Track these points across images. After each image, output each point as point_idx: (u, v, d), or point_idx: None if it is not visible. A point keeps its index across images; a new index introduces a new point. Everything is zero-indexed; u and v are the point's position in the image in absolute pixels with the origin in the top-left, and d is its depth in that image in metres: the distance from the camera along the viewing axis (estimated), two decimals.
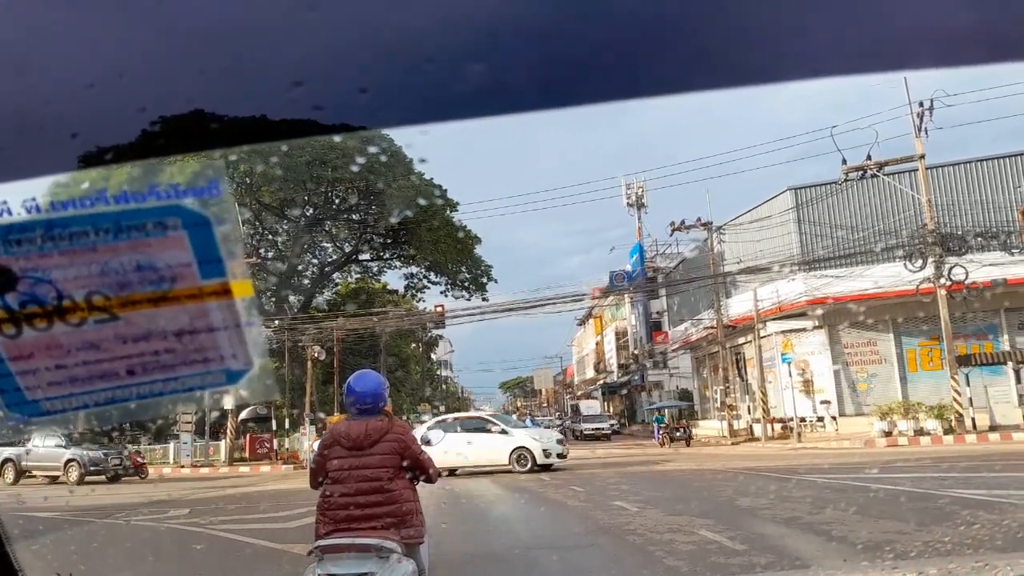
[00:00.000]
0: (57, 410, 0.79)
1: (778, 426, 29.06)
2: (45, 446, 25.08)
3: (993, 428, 23.86)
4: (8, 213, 0.69)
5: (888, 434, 24.41)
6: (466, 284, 45.22)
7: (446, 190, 41.71)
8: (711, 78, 0.76)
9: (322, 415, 33.30)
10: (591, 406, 52.39)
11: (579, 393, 78.39)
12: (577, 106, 0.75)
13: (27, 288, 0.73)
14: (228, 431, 31.85)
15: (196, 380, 0.81)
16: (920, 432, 24.17)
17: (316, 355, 35.18)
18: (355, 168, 36.34)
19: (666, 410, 38.80)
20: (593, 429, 44.06)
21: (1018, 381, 25.18)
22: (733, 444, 29.55)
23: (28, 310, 0.73)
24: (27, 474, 25.11)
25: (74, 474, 24.46)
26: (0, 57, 0.69)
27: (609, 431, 45.11)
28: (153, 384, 0.80)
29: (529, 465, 19.92)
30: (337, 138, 33.53)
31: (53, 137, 0.68)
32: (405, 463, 4.09)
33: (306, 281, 46.35)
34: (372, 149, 33.74)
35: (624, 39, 0.72)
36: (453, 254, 43.53)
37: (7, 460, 25.27)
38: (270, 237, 43.24)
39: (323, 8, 0.58)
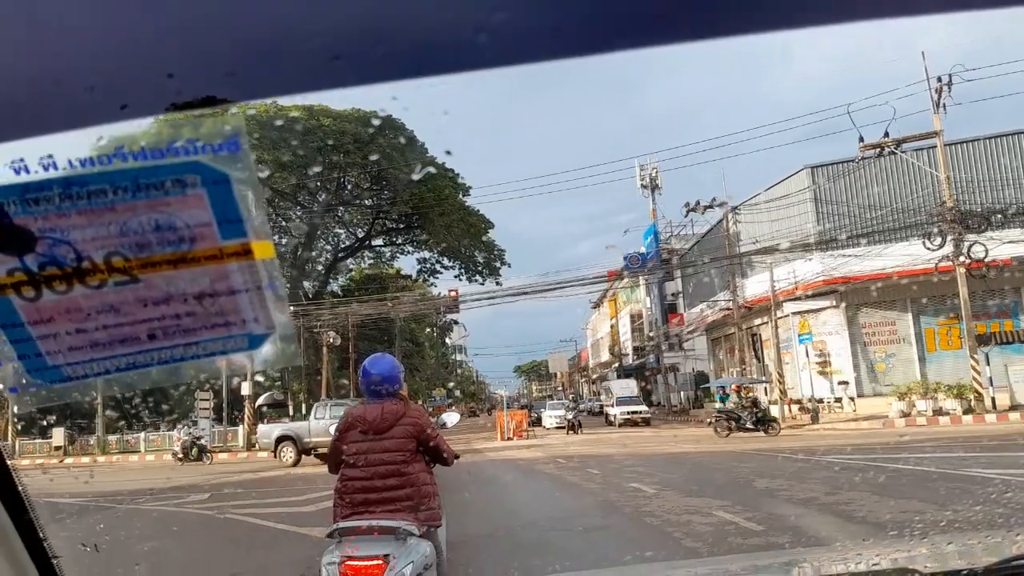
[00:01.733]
0: (79, 376, 0.78)
1: (795, 407, 28.92)
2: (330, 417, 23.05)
3: (1014, 407, 23.62)
4: (26, 171, 0.68)
5: (907, 414, 24.26)
6: (479, 269, 45.26)
7: (458, 175, 41.72)
8: (735, 22, 0.73)
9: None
10: (626, 385, 43.63)
11: (601, 373, 77.87)
12: (588, 54, 0.72)
13: (45, 249, 0.71)
14: (245, 417, 32.14)
15: (219, 345, 0.80)
16: (939, 412, 23.99)
17: (331, 340, 35.40)
18: (368, 153, 36.34)
19: (737, 388, 28.70)
20: (629, 413, 37.12)
21: None
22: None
23: (47, 272, 0.72)
24: (313, 452, 23.60)
25: None
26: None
27: (649, 415, 37.93)
28: (174, 349, 0.79)
29: None
30: (335, 107, 33.41)
31: (63, 92, 0.67)
32: (421, 447, 4.10)
33: (319, 267, 46.55)
34: (398, 138, 33.68)
35: None
36: (466, 239, 43.54)
37: (285, 439, 24.72)
38: (283, 224, 43.40)
39: None
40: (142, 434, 33.57)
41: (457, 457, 4.40)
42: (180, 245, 0.73)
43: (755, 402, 24.30)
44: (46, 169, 0.67)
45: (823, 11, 0.74)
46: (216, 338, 0.79)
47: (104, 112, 0.65)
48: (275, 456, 24.84)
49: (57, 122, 0.65)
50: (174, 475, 21.38)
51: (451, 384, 70.66)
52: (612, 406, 40.03)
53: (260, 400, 34.99)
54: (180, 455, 26.49)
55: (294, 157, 35.58)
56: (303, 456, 24.21)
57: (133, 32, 0.65)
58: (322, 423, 23.87)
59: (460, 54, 0.68)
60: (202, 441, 27.24)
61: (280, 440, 24.98)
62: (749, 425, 22.79)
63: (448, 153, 40.72)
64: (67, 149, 0.68)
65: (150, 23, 0.65)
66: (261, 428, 27.30)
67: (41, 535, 1.38)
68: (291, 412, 33.78)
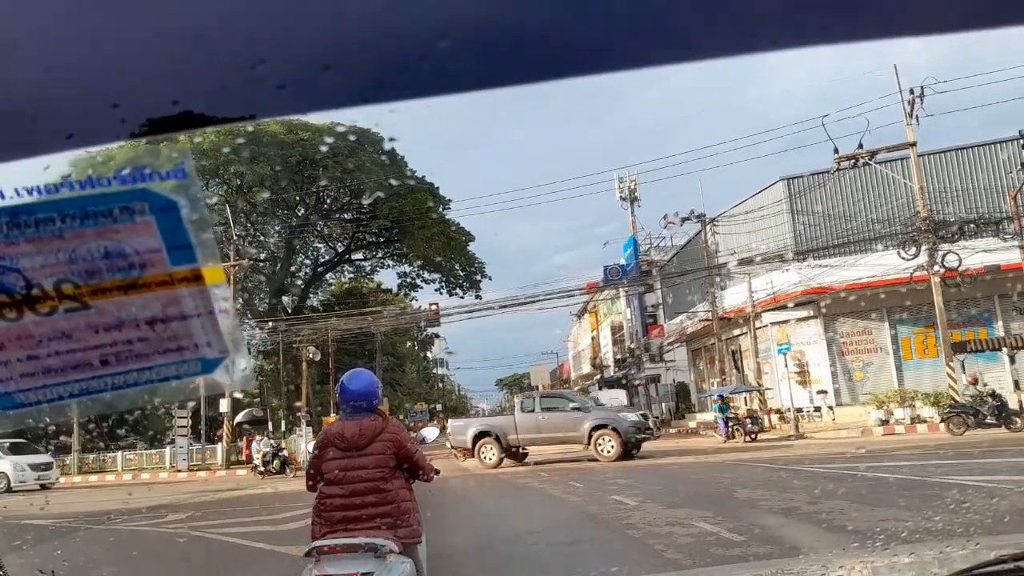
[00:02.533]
0: (32, 402, 0.78)
1: (775, 417, 29.09)
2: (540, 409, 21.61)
3: None
4: None
5: (885, 423, 24.48)
6: (460, 282, 45.25)
7: (437, 188, 41.78)
8: (712, 47, 0.75)
9: (318, 422, 33.27)
10: (615, 396, 39.78)
11: (583, 386, 77.84)
12: (561, 78, 0.73)
13: None
14: (224, 434, 31.79)
15: (171, 369, 0.80)
16: (917, 420, 24.26)
17: (311, 356, 35.16)
18: (348, 167, 36.31)
19: (737, 395, 30.63)
20: None
21: (1012, 364, 25.29)
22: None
23: None
24: (519, 450, 21.71)
25: None
26: None
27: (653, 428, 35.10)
28: (128, 374, 0.79)
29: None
30: (313, 121, 33.25)
31: (12, 121, 0.67)
32: (400, 463, 4.09)
33: (299, 282, 46.32)
34: (377, 152, 33.67)
35: (619, 2, 0.70)
36: (446, 252, 43.54)
37: (484, 435, 21.56)
38: (262, 238, 43.18)
39: None
40: (119, 454, 33.08)
41: (437, 472, 4.38)
42: (130, 271, 0.74)
43: (994, 394, 21.39)
44: None
45: (797, 35, 0.75)
46: (169, 363, 0.79)
47: (51, 141, 0.66)
48: (473, 456, 21.61)
49: (3, 152, 0.66)
50: (260, 483, 20.84)
51: (433, 398, 70.39)
52: None
53: (239, 417, 34.63)
54: (261, 468, 25.46)
55: (272, 171, 35.46)
56: (505, 457, 21.37)
57: (83, 59, 0.66)
58: (530, 417, 21.30)
59: (437, 77, 0.69)
60: (283, 452, 25.99)
61: (479, 437, 21.57)
62: (990, 420, 20.68)
63: (417, 174, 40.47)
64: (14, 178, 0.68)
65: (100, 51, 0.66)
66: (453, 423, 23.32)
67: None
68: (270, 428, 33.48)
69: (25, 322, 0.72)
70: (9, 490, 24.30)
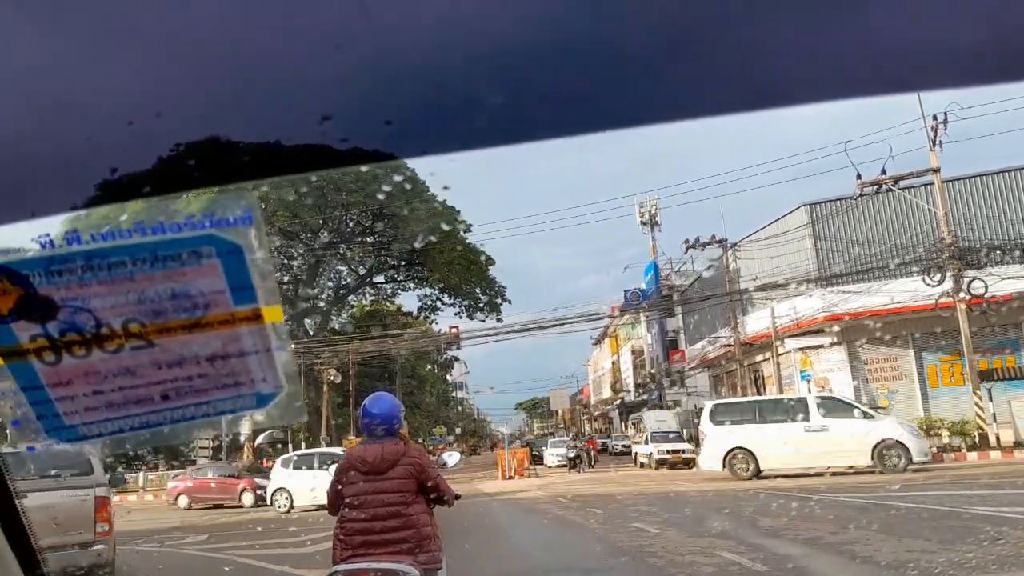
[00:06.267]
0: (94, 435, 0.82)
1: None
2: None
3: (1018, 444, 23.45)
4: (51, 245, 0.72)
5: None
6: (480, 305, 45.31)
7: (459, 212, 42.01)
8: (724, 102, 0.78)
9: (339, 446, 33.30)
10: (663, 418, 36.34)
11: (603, 411, 77.14)
12: (592, 132, 0.77)
13: (67, 317, 0.75)
14: (245, 456, 31.92)
15: (228, 404, 0.84)
16: (943, 448, 23.80)
17: (332, 378, 35.30)
18: (371, 193, 36.69)
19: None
20: (668, 452, 30.02)
21: None
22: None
23: (67, 338, 0.76)
24: None
25: None
26: (31, 94, 0.72)
27: (693, 455, 28.68)
28: (186, 408, 0.83)
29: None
30: (363, 168, 33.85)
31: (86, 172, 0.72)
32: (421, 487, 4.08)
33: (321, 304, 46.64)
34: (396, 178, 33.95)
35: (634, 65, 0.74)
36: (467, 275, 43.66)
37: None
38: (285, 261, 43.61)
39: (348, 48, 0.61)
40: (140, 474, 33.31)
41: (458, 497, 4.37)
42: (195, 311, 0.78)
43: None
44: (69, 243, 0.72)
45: (812, 89, 0.79)
46: (226, 397, 0.82)
47: (125, 192, 0.70)
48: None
49: (64, 203, 0.70)
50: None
51: (452, 422, 70.24)
52: (644, 443, 33.05)
53: (260, 439, 34.79)
54: None
55: (296, 196, 35.91)
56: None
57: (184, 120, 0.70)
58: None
59: (479, 134, 0.73)
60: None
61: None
62: None
63: (446, 188, 40.63)
64: (95, 225, 0.73)
65: (198, 114, 0.70)
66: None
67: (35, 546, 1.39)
68: (291, 450, 33.54)
69: (92, 359, 0.76)
70: None
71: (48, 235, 0.72)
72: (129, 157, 0.70)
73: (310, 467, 20.66)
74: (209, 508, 24.33)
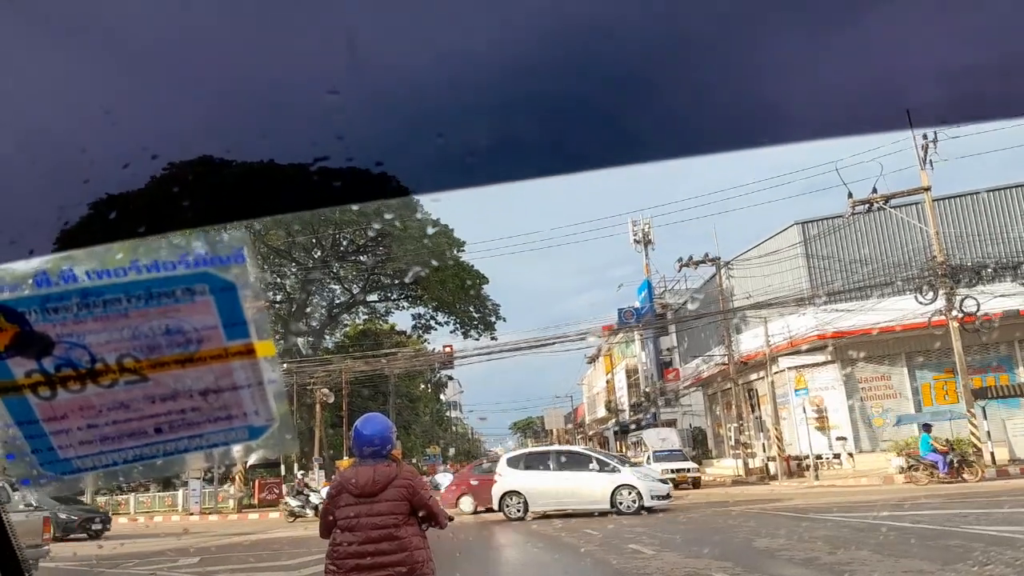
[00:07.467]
0: (88, 468, 0.83)
1: (793, 464, 28.61)
2: None
3: (1013, 461, 23.46)
4: (47, 284, 0.73)
5: (905, 470, 24.02)
6: (474, 324, 45.31)
7: (452, 230, 42.12)
8: (715, 142, 0.80)
9: (332, 470, 33.05)
10: (665, 436, 34.81)
11: (598, 430, 76.84)
12: (588, 171, 0.79)
13: (62, 352, 0.77)
14: (237, 478, 31.67)
15: (221, 436, 0.85)
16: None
17: (324, 398, 35.13)
18: (364, 213, 36.79)
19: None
20: (672, 472, 27.25)
21: None
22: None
23: (62, 373, 0.77)
24: None
25: None
26: (39, 134, 0.74)
27: (699, 474, 29.66)
28: (179, 441, 0.84)
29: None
30: (354, 207, 33.89)
31: (78, 212, 0.73)
32: (414, 509, 4.07)
33: (314, 323, 46.55)
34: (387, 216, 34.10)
35: (624, 105, 0.76)
36: (460, 294, 43.70)
37: None
38: (279, 280, 43.58)
39: (344, 91, 0.63)
40: (131, 496, 33.01)
41: (451, 519, 4.36)
42: (188, 347, 0.79)
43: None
44: (66, 281, 0.73)
45: (802, 128, 0.81)
46: (219, 430, 0.83)
47: (123, 231, 0.72)
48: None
49: (69, 241, 0.72)
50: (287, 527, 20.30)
51: (444, 442, 69.89)
52: (646, 463, 29.89)
53: (251, 460, 34.48)
54: (295, 509, 25.20)
55: (291, 216, 35.94)
56: None
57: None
58: None
59: (470, 174, 0.75)
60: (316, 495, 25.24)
61: None
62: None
63: (432, 216, 40.78)
64: (89, 263, 0.74)
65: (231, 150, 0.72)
66: None
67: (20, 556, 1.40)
68: (283, 472, 33.33)
69: (87, 394, 0.77)
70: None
71: (45, 273, 0.73)
72: (123, 197, 0.71)
73: (546, 467, 18.85)
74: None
